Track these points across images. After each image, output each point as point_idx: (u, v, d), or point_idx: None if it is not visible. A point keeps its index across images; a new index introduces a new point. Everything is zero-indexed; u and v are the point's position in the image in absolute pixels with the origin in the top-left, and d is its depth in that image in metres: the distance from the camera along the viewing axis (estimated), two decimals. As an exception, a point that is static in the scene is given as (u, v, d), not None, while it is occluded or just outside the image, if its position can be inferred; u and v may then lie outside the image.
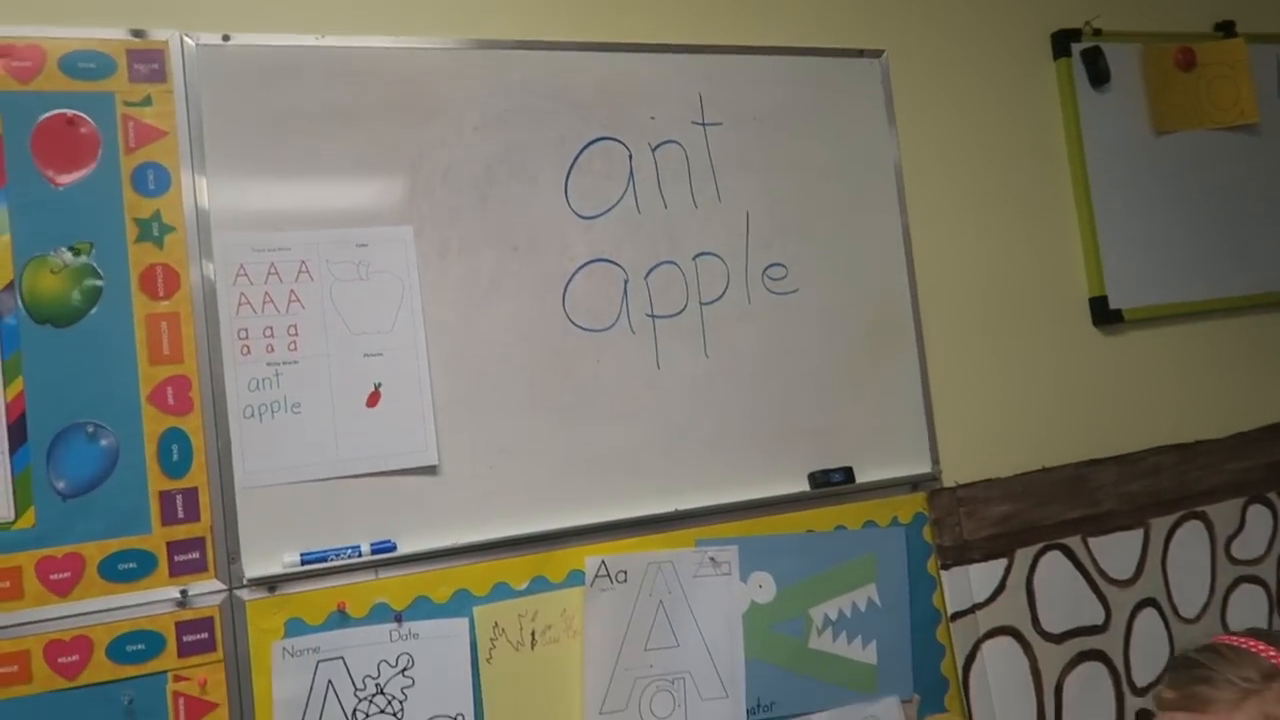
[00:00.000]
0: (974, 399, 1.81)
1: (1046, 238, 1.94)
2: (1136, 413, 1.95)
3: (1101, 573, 1.83)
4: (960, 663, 1.69)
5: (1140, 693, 1.82)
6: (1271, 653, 0.96)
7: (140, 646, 1.26)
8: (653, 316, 1.59)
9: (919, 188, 1.81)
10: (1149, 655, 1.84)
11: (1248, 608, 1.96)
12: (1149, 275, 1.99)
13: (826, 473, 1.65)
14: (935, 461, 1.75)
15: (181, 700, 1.27)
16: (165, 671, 1.27)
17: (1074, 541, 1.81)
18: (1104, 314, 1.94)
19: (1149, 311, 1.98)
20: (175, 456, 1.31)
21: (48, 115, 1.30)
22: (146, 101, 1.35)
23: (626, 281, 1.58)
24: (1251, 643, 0.98)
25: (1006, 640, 1.73)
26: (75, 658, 1.23)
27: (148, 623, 1.27)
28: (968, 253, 1.85)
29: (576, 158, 1.57)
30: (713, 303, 1.63)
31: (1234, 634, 1.01)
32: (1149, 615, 1.86)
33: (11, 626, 1.21)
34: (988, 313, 1.85)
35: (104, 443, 1.28)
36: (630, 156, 1.60)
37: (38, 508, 1.24)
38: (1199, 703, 0.96)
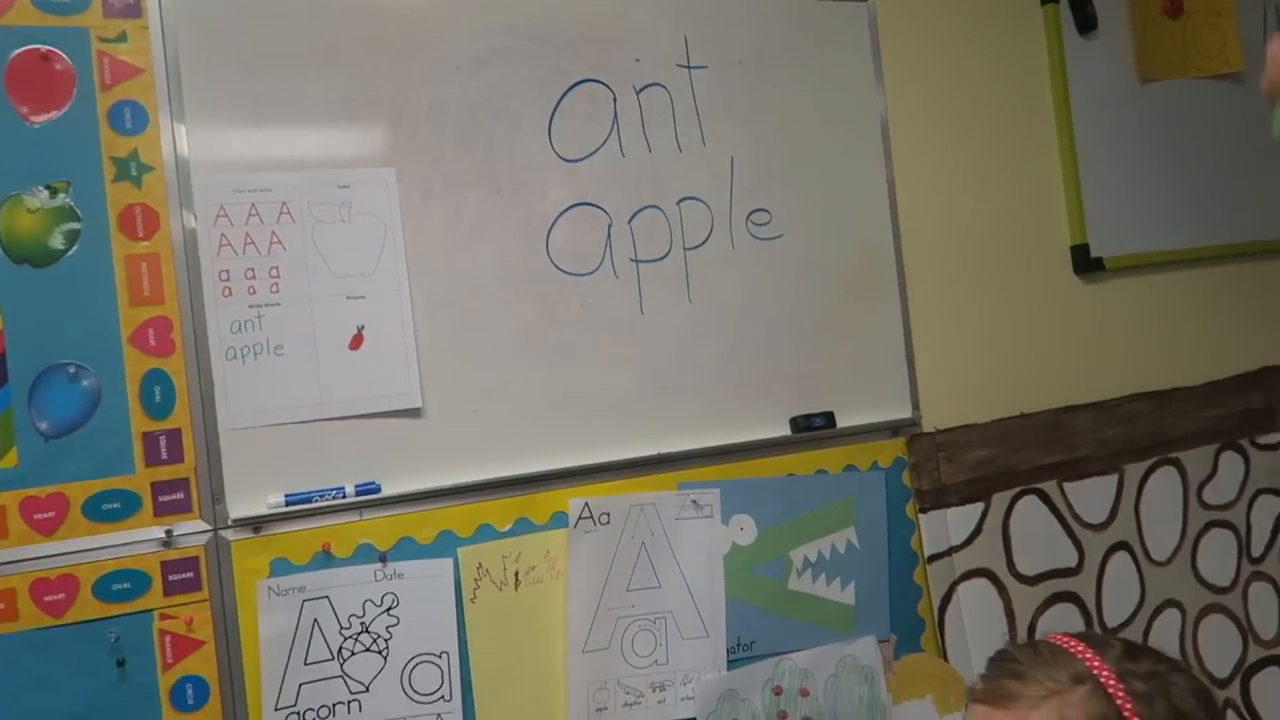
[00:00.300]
0: (954, 345, 1.82)
1: (1030, 185, 1.94)
2: (1115, 360, 1.97)
3: (1076, 517, 1.86)
4: (936, 604, 1.72)
5: (1111, 632, 1.86)
6: (1089, 655, 0.92)
7: (126, 585, 1.27)
8: (636, 261, 1.59)
9: (904, 133, 1.80)
10: (1120, 596, 1.89)
11: (1217, 551, 2.01)
12: (1131, 223, 2.00)
13: (808, 417, 1.66)
14: (915, 407, 1.76)
15: (168, 638, 1.28)
16: (151, 610, 1.28)
17: (1050, 486, 1.85)
18: (1085, 262, 1.95)
19: (1130, 260, 1.99)
20: (158, 398, 1.31)
21: (21, 51, 1.28)
22: (122, 38, 1.32)
23: (610, 226, 1.57)
24: (1074, 644, 0.95)
25: (982, 582, 1.76)
26: (61, 596, 1.24)
27: (133, 562, 1.27)
28: (951, 200, 1.85)
29: (560, 100, 1.55)
30: (696, 248, 1.63)
31: (1063, 635, 0.98)
32: (1121, 558, 1.90)
33: (-3, 565, 1.22)
34: (970, 260, 1.86)
35: (85, 384, 1.27)
36: (614, 99, 1.59)
37: (20, 448, 1.24)
38: (1002, 697, 0.93)
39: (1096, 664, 0.91)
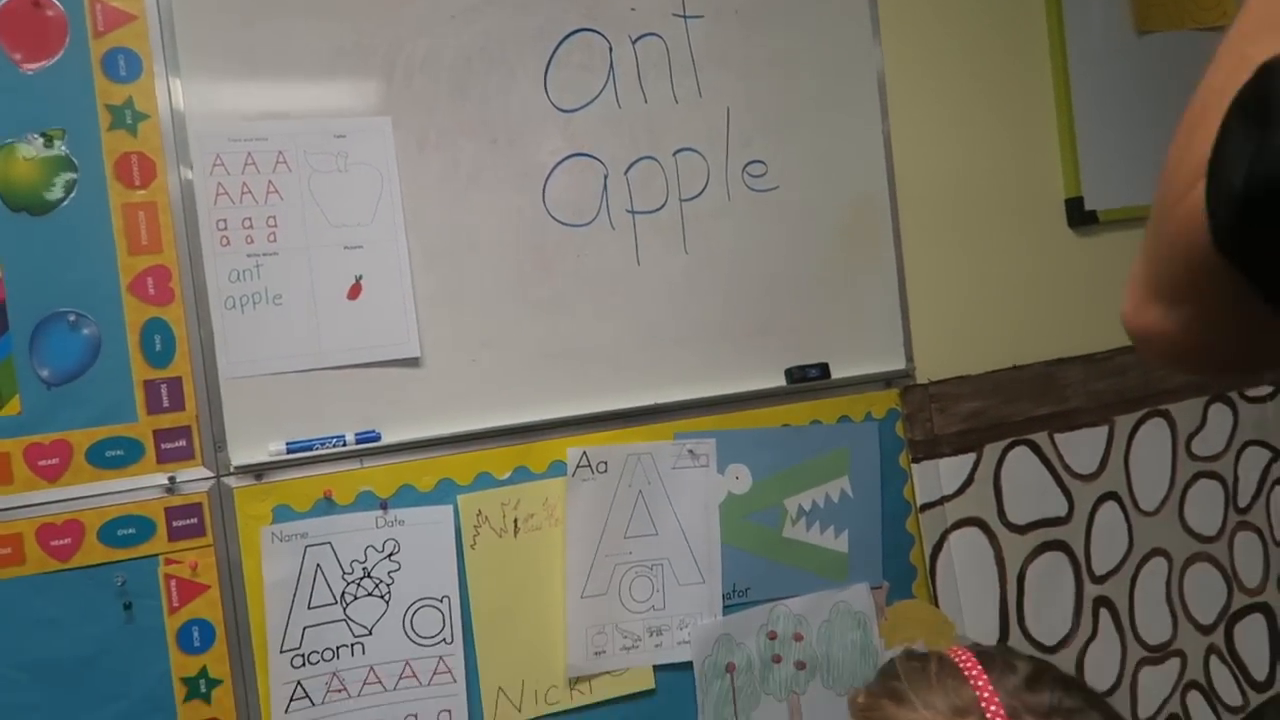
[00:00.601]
0: (948, 298, 1.83)
1: (1025, 138, 1.94)
2: (1107, 313, 1.95)
3: (1066, 467, 1.89)
4: (928, 552, 1.75)
5: (1098, 580, 1.90)
6: (981, 683, 0.80)
7: (131, 531, 1.28)
8: (633, 212, 1.59)
9: (900, 85, 1.80)
10: (1108, 545, 1.92)
11: (1205, 501, 2.04)
12: (1125, 176, 2.00)
13: (802, 368, 1.68)
14: (909, 358, 1.78)
15: (173, 582, 1.30)
16: (156, 555, 1.30)
17: (1041, 437, 1.87)
18: (1079, 215, 1.95)
19: (1124, 213, 1.99)
20: (158, 346, 1.31)
21: (12, -3, 1.27)
22: (113, -17, 1.31)
23: (606, 177, 1.58)
24: (971, 664, 0.83)
25: (973, 531, 1.79)
26: (67, 541, 1.25)
27: (137, 508, 1.29)
28: (946, 152, 1.85)
29: (556, 49, 1.55)
30: (693, 199, 1.63)
31: (968, 649, 0.86)
32: (1110, 508, 1.93)
33: (3, 510, 1.23)
34: (965, 213, 1.87)
35: (86, 332, 1.28)
36: (610, 49, 1.58)
37: (23, 395, 1.25)
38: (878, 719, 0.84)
39: (987, 694, 0.80)
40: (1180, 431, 2.03)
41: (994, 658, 0.84)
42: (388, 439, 1.41)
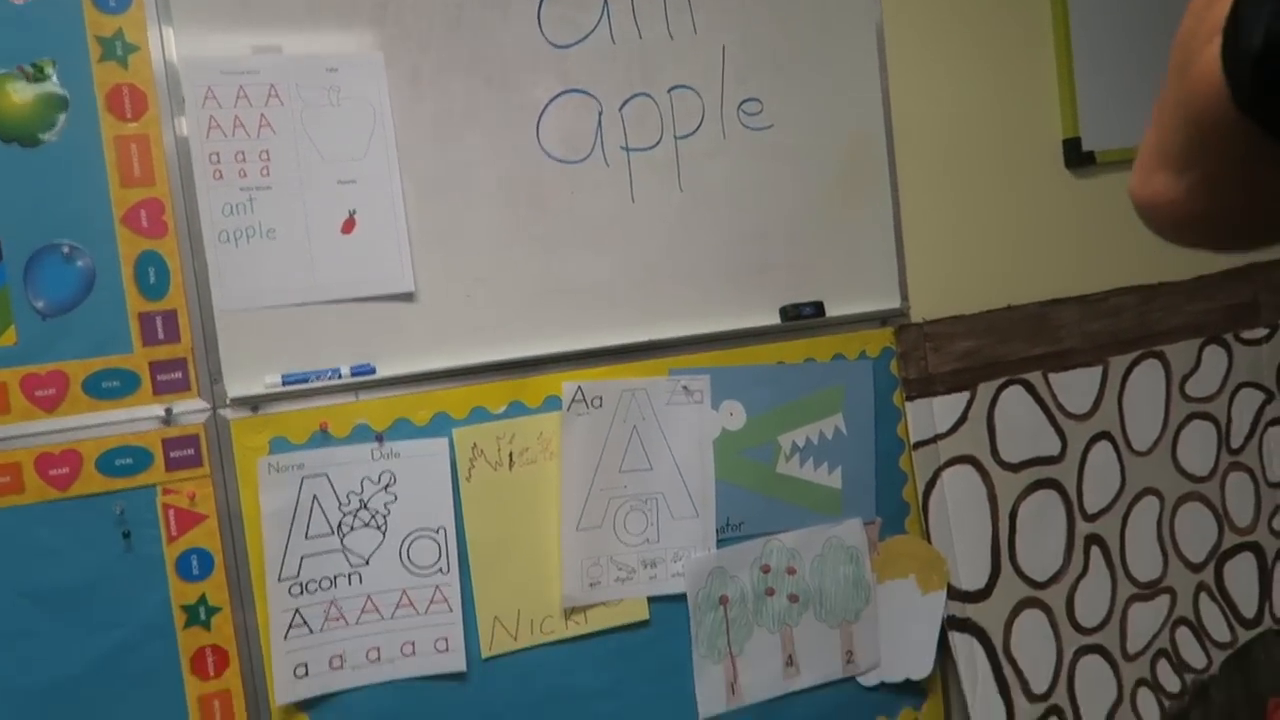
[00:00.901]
0: (944, 237, 1.83)
1: (1023, 78, 1.92)
2: (1102, 254, 1.98)
3: (1060, 407, 1.90)
4: (921, 489, 1.77)
5: (1090, 518, 1.92)
6: None
7: (128, 461, 1.30)
8: (627, 149, 1.59)
9: (897, 24, 1.78)
10: (1101, 484, 1.93)
11: (1198, 442, 2.05)
12: (1123, 117, 1.98)
13: (798, 306, 1.68)
14: (904, 298, 1.78)
15: (171, 512, 1.32)
16: (154, 485, 1.31)
17: (1035, 377, 1.88)
18: (1077, 156, 1.94)
19: (1121, 154, 1.99)
20: (152, 279, 1.32)
21: (-2, -74, 1.26)
22: (100, -88, 1.30)
23: (600, 113, 1.57)
24: None
25: (966, 468, 1.80)
26: (65, 470, 1.27)
27: (135, 439, 1.30)
28: (944, 91, 1.84)
29: (549, -17, 1.53)
30: (687, 136, 1.62)
31: None
32: (1103, 447, 1.94)
33: (1, 439, 1.25)
34: (961, 152, 1.86)
35: (80, 264, 1.28)
36: (604, -17, 1.57)
37: (18, 326, 1.26)
38: None
39: None
40: (1174, 373, 2.03)
41: None
42: (383, 372, 1.42)
